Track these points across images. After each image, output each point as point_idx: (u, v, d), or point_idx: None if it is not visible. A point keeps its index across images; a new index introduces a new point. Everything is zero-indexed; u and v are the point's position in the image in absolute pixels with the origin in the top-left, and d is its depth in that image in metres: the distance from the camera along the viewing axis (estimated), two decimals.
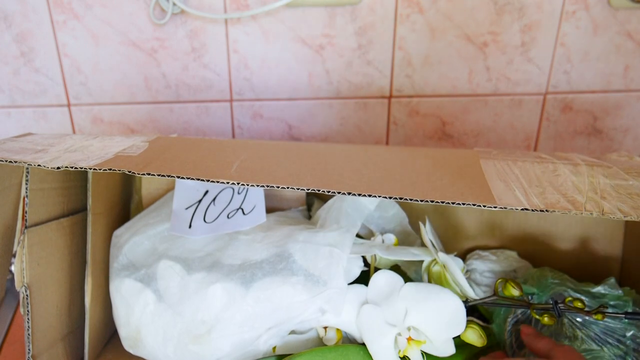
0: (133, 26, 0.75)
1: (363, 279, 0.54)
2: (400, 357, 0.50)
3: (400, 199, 0.41)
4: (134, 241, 0.58)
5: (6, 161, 0.44)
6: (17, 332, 0.68)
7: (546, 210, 0.40)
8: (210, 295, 0.51)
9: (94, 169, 0.43)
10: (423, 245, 0.58)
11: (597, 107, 0.80)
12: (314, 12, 0.74)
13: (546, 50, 0.76)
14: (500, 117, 0.81)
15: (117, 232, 0.60)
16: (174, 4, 0.72)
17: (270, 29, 0.75)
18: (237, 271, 0.52)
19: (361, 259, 0.55)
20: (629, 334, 0.50)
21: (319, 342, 0.54)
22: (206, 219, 0.57)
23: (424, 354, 0.50)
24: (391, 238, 0.58)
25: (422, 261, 0.57)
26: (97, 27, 0.75)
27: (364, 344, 0.51)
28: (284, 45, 0.76)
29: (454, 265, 0.53)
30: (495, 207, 0.40)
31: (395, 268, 0.58)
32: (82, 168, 0.43)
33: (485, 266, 0.62)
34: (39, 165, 0.44)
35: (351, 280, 0.53)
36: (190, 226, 0.57)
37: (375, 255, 0.56)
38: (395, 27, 0.75)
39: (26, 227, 0.52)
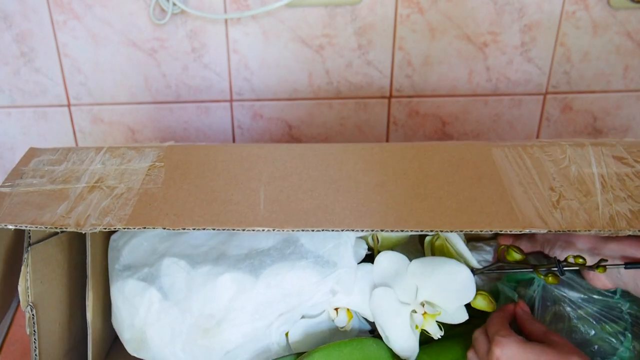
0: (133, 26, 0.75)
1: (365, 262, 0.54)
2: (418, 333, 0.51)
3: (431, 231, 0.42)
4: (132, 243, 0.57)
5: (37, 226, 0.44)
6: (17, 332, 0.68)
7: (567, 231, 0.41)
8: (219, 287, 0.51)
9: (127, 229, 0.44)
10: None
11: (597, 107, 0.80)
12: (314, 12, 0.74)
13: (546, 50, 0.76)
14: (500, 117, 0.81)
15: (115, 236, 0.59)
16: (174, 4, 0.72)
17: (270, 29, 0.75)
18: (245, 260, 0.52)
19: (364, 242, 0.55)
20: (624, 308, 0.51)
21: (331, 325, 0.54)
22: None
23: (439, 324, 0.51)
24: None
25: (419, 245, 0.58)
26: (97, 27, 0.75)
27: (377, 336, 0.52)
28: (284, 45, 0.76)
29: (456, 237, 0.54)
30: (519, 232, 0.41)
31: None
32: (116, 229, 0.44)
33: (480, 257, 0.62)
34: (75, 231, 0.44)
35: (358, 261, 0.53)
36: None
37: (377, 237, 0.57)
38: (395, 27, 0.75)
39: (29, 245, 0.51)
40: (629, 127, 0.81)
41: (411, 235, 0.59)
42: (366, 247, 0.55)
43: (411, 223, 0.42)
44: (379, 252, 0.56)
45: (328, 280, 0.51)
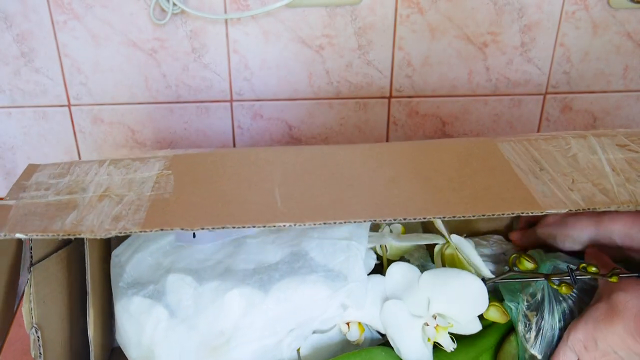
0: (133, 26, 0.75)
1: (375, 271, 0.54)
2: (431, 345, 0.51)
3: (453, 217, 0.42)
4: (136, 258, 0.56)
5: (49, 235, 0.43)
6: (17, 332, 0.68)
7: (587, 209, 0.42)
8: (227, 303, 0.50)
9: (144, 231, 0.42)
10: (426, 231, 0.59)
11: (596, 107, 0.81)
12: (314, 12, 0.74)
13: (546, 50, 0.76)
14: (500, 117, 0.81)
15: (117, 252, 0.58)
16: (174, 4, 0.72)
17: (270, 29, 0.75)
18: (253, 275, 0.51)
19: (373, 252, 0.55)
20: None
21: (343, 339, 0.54)
22: None
23: (452, 337, 0.51)
24: (398, 227, 0.59)
25: (426, 250, 0.58)
26: (98, 27, 0.75)
27: (386, 345, 0.52)
28: (284, 45, 0.76)
29: (468, 246, 0.54)
30: (540, 213, 0.42)
31: (400, 259, 0.59)
32: (132, 232, 0.43)
33: (478, 251, 0.63)
34: (89, 237, 0.43)
35: (368, 272, 0.53)
36: (194, 235, 0.55)
37: (385, 246, 0.57)
38: (395, 27, 0.75)
39: (32, 265, 0.50)
40: (629, 128, 0.81)
41: (419, 244, 0.60)
42: (375, 256, 0.55)
43: (432, 212, 0.43)
44: (387, 260, 0.56)
45: (339, 294, 0.50)
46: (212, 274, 0.52)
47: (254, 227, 0.42)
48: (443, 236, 0.56)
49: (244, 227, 0.42)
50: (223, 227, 0.42)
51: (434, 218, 0.42)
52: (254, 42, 0.76)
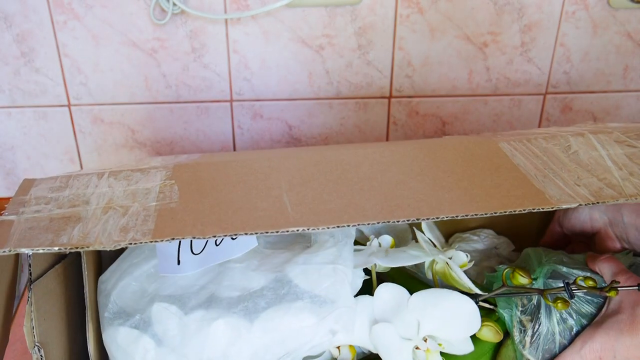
0: (133, 26, 0.75)
1: (363, 287, 0.53)
2: None
3: (466, 215, 0.43)
4: (121, 286, 0.54)
5: (58, 248, 0.42)
6: (17, 332, 0.68)
7: (597, 202, 0.43)
8: (213, 333, 0.49)
9: (155, 241, 0.41)
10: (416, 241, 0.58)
11: (596, 107, 0.81)
12: (314, 12, 0.74)
13: (546, 50, 0.76)
14: (500, 117, 0.81)
15: (103, 278, 0.57)
16: (174, 4, 0.72)
17: (270, 29, 0.75)
18: (238, 303, 0.50)
19: (361, 270, 0.54)
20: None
21: None
22: (194, 251, 0.54)
23: (443, 357, 0.50)
24: (388, 240, 0.58)
25: (419, 270, 0.57)
26: (98, 27, 0.75)
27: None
28: (284, 45, 0.76)
29: (454, 265, 0.53)
30: (552, 208, 0.43)
31: (391, 270, 0.58)
32: (142, 243, 0.42)
33: (470, 247, 0.62)
34: (98, 249, 0.42)
35: (355, 293, 0.52)
36: (179, 262, 0.54)
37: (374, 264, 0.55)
38: (395, 27, 0.75)
39: (31, 282, 0.49)
40: None
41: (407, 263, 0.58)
42: (362, 275, 0.54)
43: (445, 211, 0.43)
44: (377, 275, 0.55)
45: (327, 321, 0.49)
46: (196, 300, 0.51)
47: (267, 233, 0.42)
48: (431, 253, 0.55)
49: (256, 233, 0.42)
50: (235, 234, 0.42)
51: (446, 217, 0.42)
52: (254, 42, 0.76)
